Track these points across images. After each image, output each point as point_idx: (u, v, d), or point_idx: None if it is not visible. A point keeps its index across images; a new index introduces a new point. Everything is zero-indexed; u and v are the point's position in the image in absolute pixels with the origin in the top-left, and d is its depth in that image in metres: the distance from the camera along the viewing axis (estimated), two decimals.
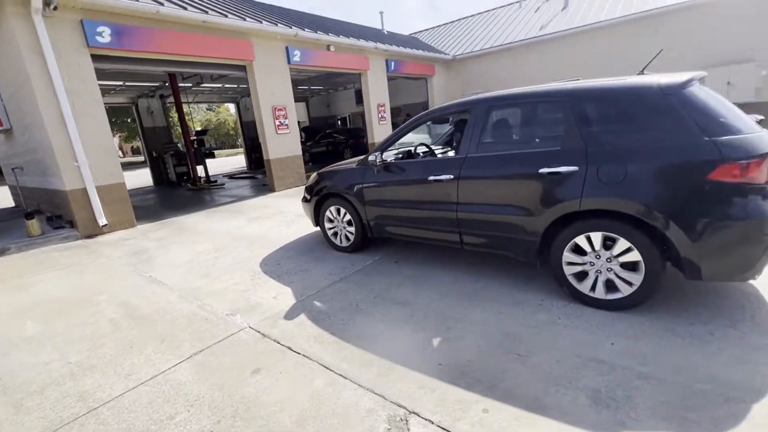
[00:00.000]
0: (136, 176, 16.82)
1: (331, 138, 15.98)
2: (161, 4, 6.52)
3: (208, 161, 13.16)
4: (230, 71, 8.89)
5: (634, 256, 2.36)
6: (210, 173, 12.81)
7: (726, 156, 2.05)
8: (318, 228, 4.64)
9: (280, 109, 9.01)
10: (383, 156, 3.65)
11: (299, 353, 2.44)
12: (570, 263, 2.64)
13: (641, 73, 2.79)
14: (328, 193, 4.25)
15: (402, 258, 3.96)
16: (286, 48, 9.02)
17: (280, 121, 9.02)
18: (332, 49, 10.21)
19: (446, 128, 5.25)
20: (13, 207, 9.93)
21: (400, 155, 4.02)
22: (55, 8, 5.46)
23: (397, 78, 14.70)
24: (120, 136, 35.42)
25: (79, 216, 6.05)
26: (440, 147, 4.46)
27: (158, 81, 11.43)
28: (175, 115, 16.93)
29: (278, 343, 2.59)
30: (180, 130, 12.22)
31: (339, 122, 20.57)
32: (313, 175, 4.63)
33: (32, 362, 2.61)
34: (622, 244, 2.39)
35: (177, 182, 12.76)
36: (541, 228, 2.67)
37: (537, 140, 2.97)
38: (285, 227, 5.64)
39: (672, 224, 2.19)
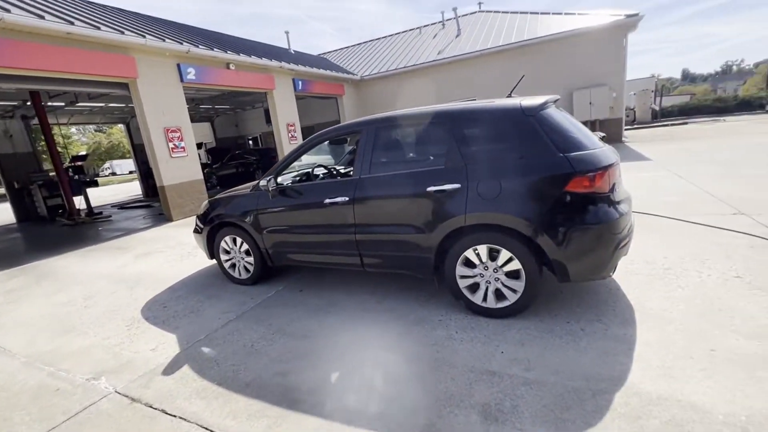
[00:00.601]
0: None
1: (241, 159, 15.08)
2: (7, 10, 5.52)
3: (91, 191, 11.41)
4: (110, 89, 7.86)
5: (515, 264, 2.54)
6: (94, 204, 11.12)
7: (577, 169, 2.30)
8: (214, 260, 4.21)
9: (174, 131, 8.22)
10: (278, 180, 3.52)
11: (175, 416, 2.09)
12: (463, 276, 2.73)
13: (509, 95, 3.05)
14: (222, 222, 3.92)
15: (307, 286, 3.75)
16: (178, 65, 8.32)
17: (174, 144, 8.21)
18: (232, 67, 9.72)
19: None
20: None
21: (299, 178, 3.87)
22: None
23: (307, 97, 14.59)
24: None
25: None
26: (343, 167, 4.41)
27: (16, 100, 9.65)
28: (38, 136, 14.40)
29: (150, 407, 2.19)
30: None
31: (250, 142, 19.62)
32: (204, 203, 4.22)
33: None
34: (504, 254, 2.55)
35: (49, 217, 10.80)
36: (434, 244, 2.74)
37: (424, 159, 3.07)
38: (178, 262, 5.03)
39: (541, 233, 2.39)
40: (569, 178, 2.32)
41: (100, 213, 10.76)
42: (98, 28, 6.63)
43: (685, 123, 18.67)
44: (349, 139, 4.43)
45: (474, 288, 2.74)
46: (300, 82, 12.40)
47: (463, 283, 2.75)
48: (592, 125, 12.52)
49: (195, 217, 4.34)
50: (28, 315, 3.80)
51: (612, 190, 2.41)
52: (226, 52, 9.43)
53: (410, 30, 19.83)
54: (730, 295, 2.63)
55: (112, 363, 2.71)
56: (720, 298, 2.60)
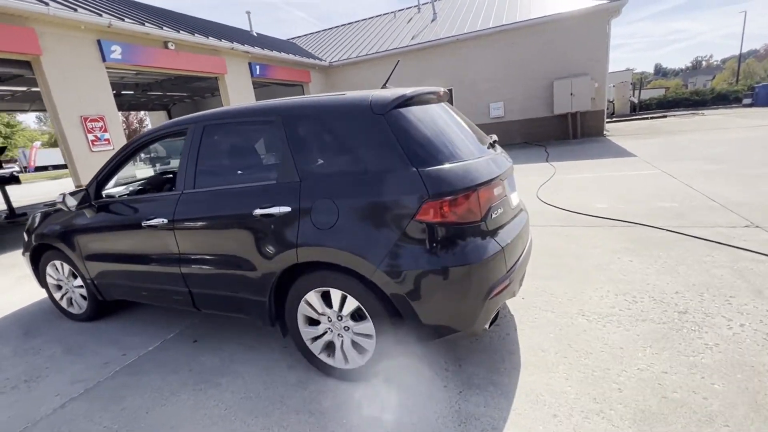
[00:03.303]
0: None
1: None
2: None
3: (13, 188, 9.94)
4: (6, 68, 6.50)
5: (367, 320, 1.91)
6: (16, 205, 9.68)
7: (431, 191, 1.68)
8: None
9: (95, 120, 6.94)
10: (102, 192, 2.80)
11: None
12: (310, 335, 2.11)
13: (383, 86, 2.37)
14: (43, 244, 3.13)
15: (208, 332, 2.77)
16: (99, 41, 7.01)
17: (95, 135, 6.94)
18: (172, 46, 8.43)
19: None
20: None
21: (139, 188, 3.24)
22: None
23: (271, 84, 13.34)
24: None
25: None
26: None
27: None
28: None
29: None
30: None
31: None
32: (37, 213, 3.24)
33: None
34: (351, 302, 1.92)
35: None
36: (267, 284, 2.09)
37: (257, 171, 2.38)
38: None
39: (384, 277, 1.76)
40: (420, 202, 1.69)
41: (24, 215, 9.35)
42: None
43: (665, 116, 18.37)
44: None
45: (330, 347, 2.10)
46: (258, 67, 11.15)
47: (314, 345, 2.12)
48: (573, 118, 11.86)
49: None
50: None
51: (485, 216, 1.80)
52: (162, 28, 8.12)
53: (384, 14, 18.66)
54: None
55: None
56: None
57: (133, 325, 3.00)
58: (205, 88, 14.32)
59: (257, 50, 10.86)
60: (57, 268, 3.16)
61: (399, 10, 18.40)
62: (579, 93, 11.45)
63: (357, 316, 1.95)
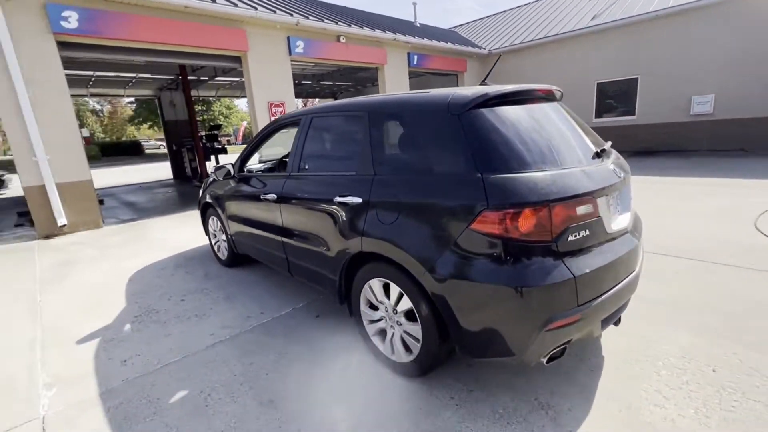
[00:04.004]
0: (163, 168, 17.10)
1: None
2: None
3: (221, 157, 12.83)
4: (225, 63, 8.26)
5: (417, 323, 1.92)
6: None
7: (491, 202, 1.56)
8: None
9: (277, 105, 8.26)
10: (245, 167, 3.47)
11: None
12: (369, 318, 2.24)
13: (483, 83, 2.24)
14: (207, 203, 4.01)
15: (331, 310, 2.93)
16: (288, 38, 8.23)
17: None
18: (343, 40, 9.29)
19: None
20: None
21: (271, 166, 3.80)
22: None
23: (426, 74, 13.53)
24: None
25: (36, 215, 5.65)
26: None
27: (172, 74, 11.20)
28: (201, 107, 16.87)
29: None
30: (205, 123, 11.93)
31: None
32: (208, 179, 4.11)
33: None
34: (405, 301, 1.95)
35: (191, 177, 12.58)
36: (338, 266, 2.30)
37: (345, 161, 2.42)
38: None
39: (434, 282, 1.72)
40: (478, 211, 1.58)
41: None
42: (213, 1, 6.81)
43: None
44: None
45: (382, 333, 2.20)
46: (416, 57, 11.38)
47: (370, 328, 2.24)
48: None
49: None
50: (91, 279, 3.96)
51: (558, 237, 1.57)
52: (337, 23, 9.01)
53: None
54: None
55: (84, 368, 2.38)
56: None
57: (272, 289, 3.42)
58: (367, 78, 15.52)
59: (416, 40, 11.05)
60: (213, 223, 4.06)
61: None
62: None
63: (410, 316, 1.96)
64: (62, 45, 5.73)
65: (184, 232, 5.59)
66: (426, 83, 14.52)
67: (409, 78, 11.57)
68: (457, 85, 13.71)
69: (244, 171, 3.42)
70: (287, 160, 3.51)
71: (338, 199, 2.19)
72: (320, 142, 2.67)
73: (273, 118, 8.21)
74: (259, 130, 3.31)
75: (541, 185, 1.56)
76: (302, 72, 12.65)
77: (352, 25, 9.41)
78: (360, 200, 2.06)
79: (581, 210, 1.62)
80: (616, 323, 1.96)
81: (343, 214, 2.18)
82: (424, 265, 1.73)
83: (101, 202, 8.69)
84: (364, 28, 9.68)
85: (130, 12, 6.09)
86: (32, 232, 5.71)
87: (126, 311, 3.13)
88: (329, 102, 2.71)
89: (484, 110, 1.74)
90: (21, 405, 2.07)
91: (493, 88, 1.81)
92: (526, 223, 1.52)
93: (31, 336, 2.83)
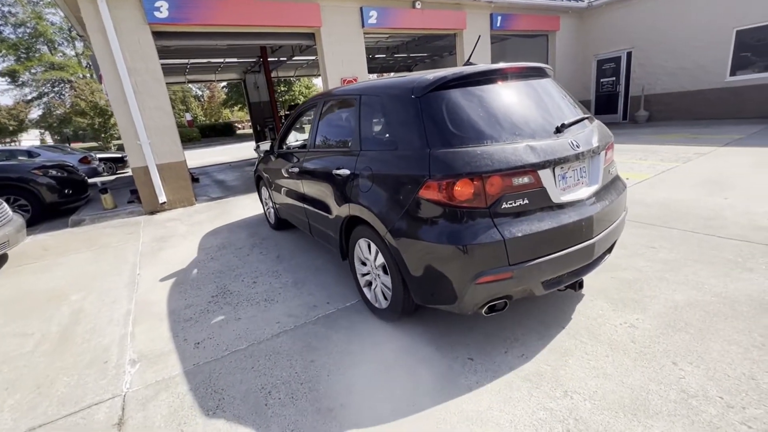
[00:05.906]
0: (250, 147, 18.43)
1: None
2: None
3: (299, 135, 13.30)
4: (299, 41, 8.24)
5: (388, 276, 2.26)
6: None
7: (432, 173, 1.82)
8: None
9: (350, 81, 8.06)
10: (284, 144, 3.87)
11: None
12: (360, 271, 2.64)
13: (467, 63, 2.49)
14: (258, 175, 4.65)
15: None
16: (360, 9, 7.89)
17: None
18: (419, 5, 8.64)
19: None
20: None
21: (304, 143, 3.92)
22: None
23: (510, 36, 12.20)
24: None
25: (142, 193, 6.35)
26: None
27: (254, 56, 11.68)
28: (282, 89, 17.58)
29: None
30: (285, 103, 12.48)
31: None
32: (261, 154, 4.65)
33: None
34: (380, 256, 2.29)
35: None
36: (337, 229, 2.71)
37: (343, 139, 2.82)
38: None
39: (391, 238, 2.07)
40: (422, 181, 1.86)
41: None
42: None
43: None
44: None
45: (370, 285, 2.60)
46: (499, 18, 10.21)
47: (361, 279, 2.65)
48: None
49: None
50: (181, 254, 4.27)
51: (493, 204, 1.78)
52: None
53: None
54: None
55: (162, 345, 2.50)
56: None
57: (340, 276, 3.28)
58: (443, 47, 14.58)
59: None
60: (264, 192, 4.72)
61: None
62: None
63: (384, 269, 2.29)
64: (155, 35, 6.15)
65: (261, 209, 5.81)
66: (504, 50, 13.11)
67: (491, 43, 10.50)
68: (547, 49, 12.13)
69: (283, 148, 3.87)
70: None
71: (335, 171, 2.59)
72: (327, 122, 3.06)
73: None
74: (290, 114, 3.93)
75: (477, 159, 1.76)
76: (376, 45, 12.30)
77: None
78: (349, 172, 2.43)
79: (517, 181, 1.79)
80: (576, 288, 2.14)
81: (338, 183, 2.57)
82: (386, 225, 2.07)
83: (197, 180, 9.59)
84: None
85: None
86: (140, 209, 6.44)
87: (205, 291, 3.26)
88: (336, 87, 3.12)
89: (442, 92, 1.95)
90: (107, 380, 2.22)
91: (452, 71, 2.01)
92: (462, 192, 1.76)
93: (127, 308, 3.09)
